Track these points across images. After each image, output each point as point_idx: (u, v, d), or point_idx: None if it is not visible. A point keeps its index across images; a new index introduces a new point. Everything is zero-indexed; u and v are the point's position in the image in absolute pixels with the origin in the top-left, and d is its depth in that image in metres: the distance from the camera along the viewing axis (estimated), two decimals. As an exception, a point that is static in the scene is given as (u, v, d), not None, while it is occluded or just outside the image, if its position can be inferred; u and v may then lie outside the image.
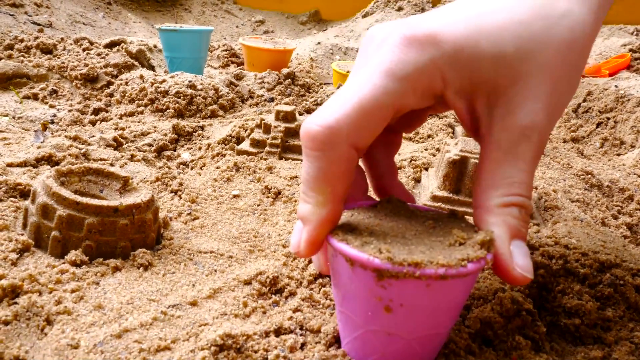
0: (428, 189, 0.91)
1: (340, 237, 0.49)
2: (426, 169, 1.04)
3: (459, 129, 1.37)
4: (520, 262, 0.49)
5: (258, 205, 0.90)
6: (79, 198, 0.68)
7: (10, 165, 0.89)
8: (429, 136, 1.34)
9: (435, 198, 0.87)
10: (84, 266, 0.65)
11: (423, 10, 3.20)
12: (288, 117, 1.15)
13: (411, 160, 1.07)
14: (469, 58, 0.49)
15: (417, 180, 1.00)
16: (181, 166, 1.10)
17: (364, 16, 3.37)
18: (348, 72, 1.72)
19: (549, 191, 0.94)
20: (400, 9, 3.28)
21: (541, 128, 0.49)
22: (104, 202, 0.68)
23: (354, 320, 0.50)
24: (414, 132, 1.36)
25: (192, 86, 1.44)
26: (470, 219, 0.55)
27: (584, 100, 1.66)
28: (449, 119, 1.45)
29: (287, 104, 1.58)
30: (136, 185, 0.78)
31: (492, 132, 0.51)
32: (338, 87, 1.71)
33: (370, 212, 0.56)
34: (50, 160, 0.94)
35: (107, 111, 1.39)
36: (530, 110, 0.49)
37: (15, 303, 0.56)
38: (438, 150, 1.22)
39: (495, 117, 0.50)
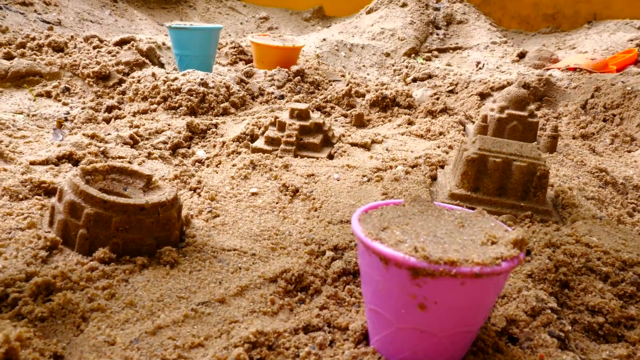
0: (446, 187, 0.92)
1: (374, 236, 0.49)
2: (442, 167, 1.05)
3: (470, 127, 1.37)
4: None
5: (277, 203, 0.90)
6: (106, 196, 0.68)
7: (33, 163, 0.90)
8: (440, 134, 1.35)
9: (453, 196, 0.87)
10: (112, 263, 0.66)
11: (427, 6, 3.20)
12: (302, 114, 1.16)
13: (426, 158, 1.08)
14: None
15: (434, 178, 1.01)
16: (197, 164, 1.11)
17: (368, 12, 3.37)
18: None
19: (565, 189, 0.95)
20: (404, 5, 3.27)
21: None
22: (131, 201, 0.69)
23: (386, 317, 0.51)
24: (426, 130, 1.37)
25: (204, 84, 1.45)
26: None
27: (592, 97, 1.66)
28: (459, 116, 1.46)
29: (297, 101, 1.58)
30: (159, 183, 0.79)
31: None
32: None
33: (399, 211, 0.57)
34: (71, 158, 0.95)
35: (120, 109, 1.40)
36: None
37: (50, 300, 0.57)
38: (450, 147, 1.22)
39: None
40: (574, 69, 1.99)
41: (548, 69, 2.10)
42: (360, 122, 1.47)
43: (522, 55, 2.39)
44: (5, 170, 0.85)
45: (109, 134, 1.15)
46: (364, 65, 2.50)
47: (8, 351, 0.44)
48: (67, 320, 0.55)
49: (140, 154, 1.05)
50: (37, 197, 0.80)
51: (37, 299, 0.57)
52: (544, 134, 1.27)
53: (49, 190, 0.82)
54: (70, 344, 0.52)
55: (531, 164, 0.85)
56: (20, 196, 0.79)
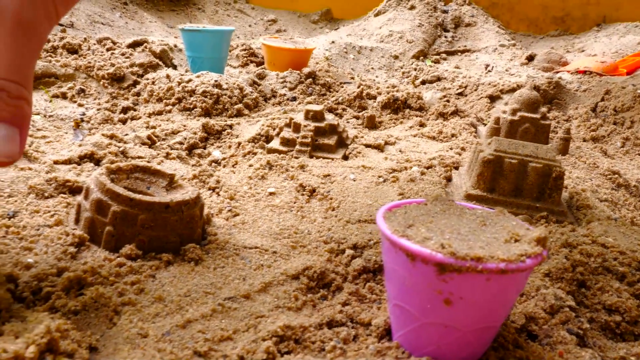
0: (461, 188, 0.93)
1: (400, 233, 0.51)
2: (456, 168, 1.06)
3: (482, 129, 1.39)
4: None
5: (294, 203, 0.92)
6: (132, 195, 0.70)
7: (56, 162, 0.91)
8: (452, 135, 1.36)
9: (469, 197, 0.89)
10: (138, 260, 0.68)
11: (435, 8, 3.21)
12: (317, 116, 1.17)
13: (441, 160, 1.09)
14: None
15: (448, 179, 1.02)
16: (213, 164, 1.12)
17: (376, 15, 3.38)
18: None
19: (579, 190, 0.96)
20: (412, 7, 3.29)
21: (15, 7, 0.46)
22: (156, 199, 0.71)
23: (411, 313, 0.53)
24: (438, 132, 1.38)
25: (218, 85, 1.46)
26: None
27: (602, 100, 1.67)
28: (471, 118, 1.47)
29: (309, 102, 1.60)
30: (181, 182, 0.81)
31: None
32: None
33: (422, 210, 0.58)
34: (92, 157, 0.97)
35: (135, 110, 1.41)
36: None
37: (82, 294, 0.58)
38: (463, 149, 1.24)
39: None
40: (584, 72, 2.00)
41: (557, 72, 2.12)
42: (372, 124, 1.48)
43: (531, 58, 2.40)
44: (30, 169, 0.86)
45: (126, 135, 1.16)
46: (372, 68, 2.51)
47: (49, 341, 0.46)
48: (99, 313, 0.56)
49: (158, 154, 1.07)
50: (62, 195, 0.81)
51: (69, 293, 0.58)
52: (555, 137, 1.28)
53: (73, 189, 0.84)
54: (103, 336, 0.54)
55: (547, 165, 0.86)
56: (46, 194, 0.81)
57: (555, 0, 3.31)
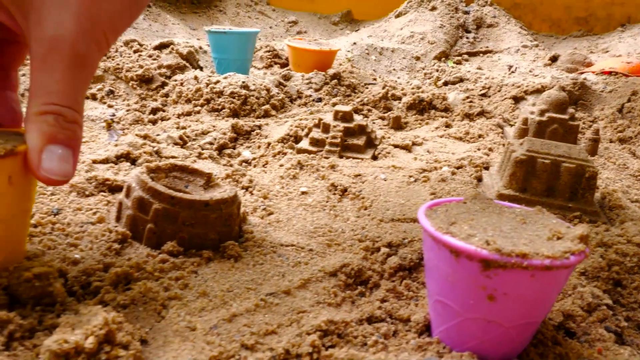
0: (493, 188, 0.94)
1: (444, 230, 0.52)
2: (486, 168, 1.07)
3: (509, 129, 1.39)
4: (46, 165, 0.51)
5: (327, 202, 0.93)
6: (173, 193, 0.72)
7: (95, 162, 0.94)
8: (479, 136, 1.37)
9: (501, 196, 0.90)
10: (180, 256, 0.69)
11: (457, 10, 3.21)
12: (346, 117, 1.19)
13: (470, 160, 1.10)
14: None
15: (479, 179, 1.03)
16: (243, 164, 1.14)
17: (397, 16, 3.39)
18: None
19: (610, 191, 0.97)
20: (434, 8, 3.29)
21: (72, 39, 0.49)
22: (196, 197, 0.72)
23: (453, 308, 0.54)
24: (465, 132, 1.39)
25: (245, 87, 1.48)
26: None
27: (629, 100, 1.67)
28: (497, 119, 1.48)
29: (334, 104, 1.61)
30: (218, 181, 0.82)
31: (30, 42, 0.50)
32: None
33: (462, 208, 0.59)
34: (128, 157, 0.99)
35: (164, 111, 1.44)
36: (57, 21, 0.49)
37: (129, 289, 0.60)
38: (491, 150, 1.24)
39: (30, 28, 0.50)
40: (609, 73, 1.99)
41: (582, 73, 2.11)
42: (398, 125, 1.49)
43: (554, 59, 2.39)
44: (70, 167, 0.89)
45: (158, 135, 1.19)
46: (394, 69, 2.52)
47: (107, 333, 0.47)
48: (148, 307, 0.58)
49: (191, 154, 1.09)
50: (102, 193, 0.83)
51: (117, 287, 0.60)
52: (584, 137, 1.28)
53: (112, 187, 0.86)
54: (152, 329, 0.55)
55: (580, 165, 0.87)
56: (87, 192, 0.83)
57: (578, 0, 3.29)
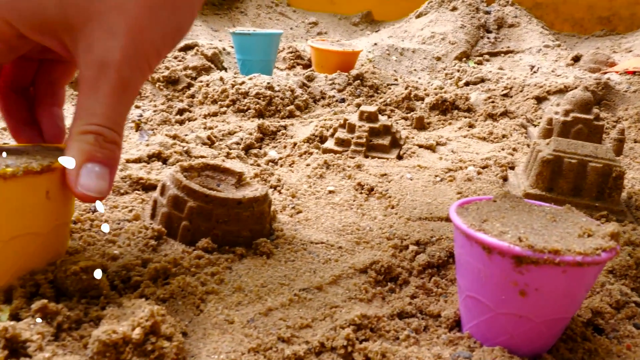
0: (519, 187, 0.95)
1: (477, 227, 0.53)
2: (511, 168, 1.08)
3: (533, 130, 1.40)
4: (83, 182, 0.54)
5: (354, 201, 0.95)
6: (207, 191, 0.74)
7: (128, 161, 0.96)
8: (503, 136, 1.37)
9: (528, 196, 0.91)
10: (214, 252, 0.71)
11: (478, 9, 3.21)
12: (371, 117, 1.20)
13: (496, 160, 1.11)
14: (30, 2, 0.52)
15: (505, 179, 1.04)
16: (270, 163, 1.16)
17: (418, 16, 3.39)
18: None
19: (637, 190, 0.97)
20: (454, 8, 3.29)
21: (118, 64, 0.53)
22: (229, 195, 0.74)
23: (484, 304, 0.55)
24: (488, 133, 1.40)
25: (270, 87, 1.50)
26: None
27: (653, 101, 1.66)
28: (521, 119, 1.48)
29: (358, 104, 1.63)
30: (249, 180, 0.84)
31: (79, 67, 0.54)
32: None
33: (492, 206, 0.60)
34: (159, 156, 1.01)
35: (190, 111, 1.46)
36: (106, 48, 0.53)
37: (167, 283, 0.62)
38: (515, 150, 1.25)
39: (79, 53, 0.54)
40: (633, 73, 1.98)
41: (605, 73, 2.10)
42: (421, 125, 1.50)
43: (576, 59, 2.39)
44: (105, 167, 0.91)
45: (186, 135, 1.21)
46: (415, 69, 2.53)
47: (153, 325, 0.49)
48: (187, 301, 0.60)
49: (219, 154, 1.11)
50: (136, 192, 0.86)
51: (156, 282, 0.62)
52: (608, 137, 1.28)
53: (146, 186, 0.88)
54: (192, 322, 0.57)
55: (607, 165, 0.88)
56: (122, 191, 0.85)
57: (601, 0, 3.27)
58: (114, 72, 0.53)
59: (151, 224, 0.76)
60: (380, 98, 1.70)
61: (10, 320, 0.51)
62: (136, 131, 1.21)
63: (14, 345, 0.47)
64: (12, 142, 0.71)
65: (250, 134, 1.27)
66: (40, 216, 0.56)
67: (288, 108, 1.47)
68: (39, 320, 0.51)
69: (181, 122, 1.39)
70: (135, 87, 0.56)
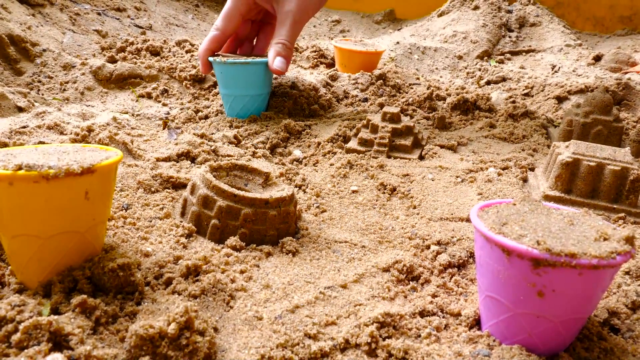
0: (538, 189, 0.97)
1: (497, 230, 0.56)
2: (531, 169, 1.09)
3: (553, 131, 1.41)
4: (276, 64, 1.28)
5: (376, 201, 0.97)
6: (236, 191, 0.77)
7: (157, 159, 0.99)
8: (523, 137, 1.38)
9: (547, 197, 0.92)
10: (242, 251, 0.74)
11: (500, 8, 3.20)
12: (394, 118, 1.22)
13: (516, 161, 1.12)
14: None
15: (524, 180, 1.05)
16: (294, 162, 1.18)
17: (440, 15, 3.39)
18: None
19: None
20: (476, 7, 3.29)
21: (294, 12, 1.29)
22: (257, 195, 0.77)
23: (503, 304, 0.57)
24: (509, 133, 1.41)
25: (294, 86, 1.53)
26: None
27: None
28: (541, 120, 1.49)
29: (380, 104, 1.64)
30: (275, 180, 0.87)
31: (277, 15, 1.32)
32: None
33: (512, 209, 0.62)
34: (188, 155, 1.04)
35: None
36: (289, 6, 1.29)
37: (198, 280, 0.65)
38: (535, 150, 1.26)
39: (278, 9, 1.31)
40: (655, 73, 1.98)
41: (626, 73, 2.10)
42: (443, 125, 1.52)
43: (597, 58, 2.38)
44: (136, 165, 0.94)
45: (212, 134, 1.24)
46: (436, 68, 2.54)
47: (187, 320, 0.52)
48: (217, 297, 0.63)
49: (245, 153, 1.14)
50: (167, 190, 0.89)
51: (187, 278, 0.65)
52: (627, 139, 1.29)
53: (176, 184, 0.91)
54: (222, 318, 0.60)
55: (625, 168, 0.89)
56: (152, 189, 0.89)
57: (624, -2, 3.25)
58: (292, 15, 1.29)
59: (181, 221, 0.80)
60: (403, 97, 1.72)
61: (50, 315, 0.55)
62: (164, 129, 1.24)
63: (57, 339, 0.51)
64: (52, 142, 0.74)
65: (277, 133, 1.29)
66: (79, 215, 0.60)
67: (312, 107, 1.50)
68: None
69: (206, 117, 1.42)
70: (302, 24, 1.32)
